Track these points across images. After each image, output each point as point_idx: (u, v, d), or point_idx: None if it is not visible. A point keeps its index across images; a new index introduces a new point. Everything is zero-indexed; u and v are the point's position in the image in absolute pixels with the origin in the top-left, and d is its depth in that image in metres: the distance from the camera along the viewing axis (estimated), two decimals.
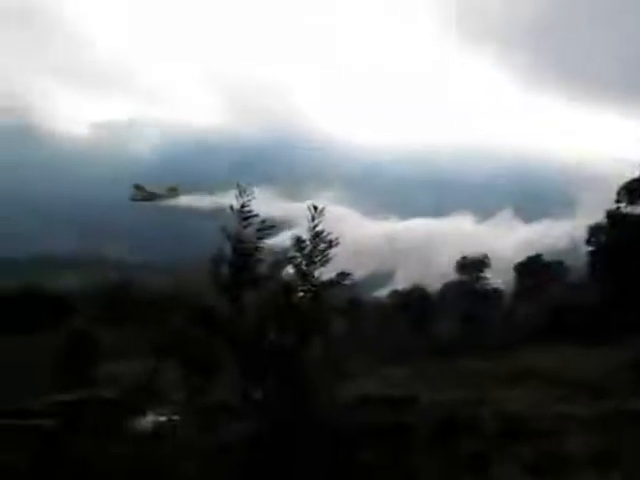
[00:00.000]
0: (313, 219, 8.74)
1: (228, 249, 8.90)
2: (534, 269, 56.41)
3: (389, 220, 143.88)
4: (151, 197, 65.27)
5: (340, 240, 8.94)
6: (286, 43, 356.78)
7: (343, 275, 9.48)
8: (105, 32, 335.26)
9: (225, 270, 8.91)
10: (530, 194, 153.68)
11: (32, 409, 15.03)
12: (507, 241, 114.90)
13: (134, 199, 65.60)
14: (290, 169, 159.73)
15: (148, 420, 15.03)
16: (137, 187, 65.04)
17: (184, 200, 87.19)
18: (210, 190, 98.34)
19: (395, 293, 63.34)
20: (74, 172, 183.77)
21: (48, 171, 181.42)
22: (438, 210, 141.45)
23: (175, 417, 13.82)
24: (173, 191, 68.70)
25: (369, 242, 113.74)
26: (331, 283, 9.48)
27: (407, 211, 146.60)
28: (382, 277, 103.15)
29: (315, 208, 8.85)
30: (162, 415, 14.72)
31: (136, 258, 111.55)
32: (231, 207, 8.75)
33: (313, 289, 9.13)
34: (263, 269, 9.25)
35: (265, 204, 12.47)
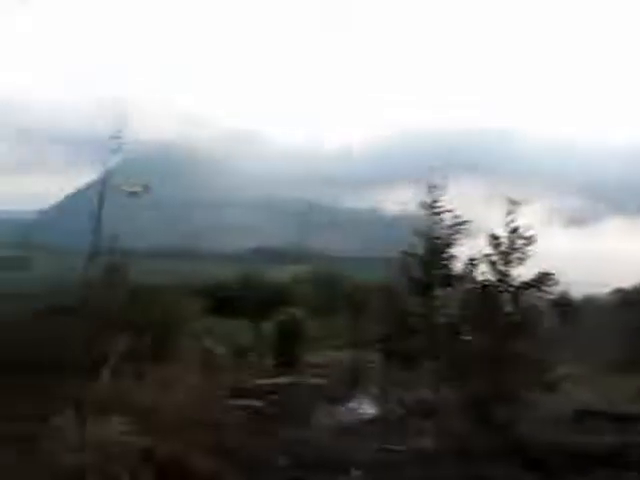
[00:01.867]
0: (509, 214, 8.25)
1: (420, 245, 8.80)
2: None
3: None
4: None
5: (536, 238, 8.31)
6: None
7: (546, 275, 8.80)
8: None
9: (417, 267, 8.81)
10: None
11: (246, 389, 16.33)
12: None
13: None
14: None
15: (350, 408, 15.52)
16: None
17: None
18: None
19: (619, 291, 57.50)
20: (289, 174, 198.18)
21: (269, 173, 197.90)
22: None
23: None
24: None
25: None
26: (533, 283, 8.84)
27: None
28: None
29: (513, 202, 8.33)
30: (362, 406, 15.14)
31: (343, 252, 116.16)
32: (423, 203, 8.62)
33: (512, 289, 8.61)
34: (457, 266, 8.98)
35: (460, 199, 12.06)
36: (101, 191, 6.38)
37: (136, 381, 10.96)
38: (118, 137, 6.83)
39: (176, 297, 24.36)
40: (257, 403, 14.79)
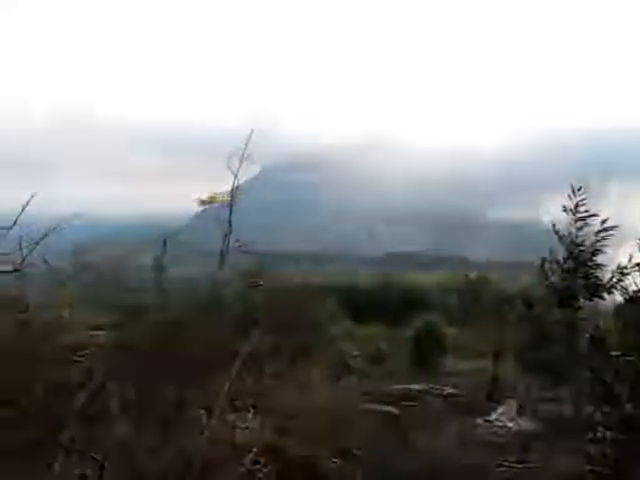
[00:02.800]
0: None
1: (561, 252, 8.31)
2: None
3: None
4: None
5: None
6: None
7: None
8: None
9: (558, 275, 8.32)
10: None
11: (381, 394, 16.38)
12: None
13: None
14: None
15: (487, 421, 15.03)
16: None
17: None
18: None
19: None
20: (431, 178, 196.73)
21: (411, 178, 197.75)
22: None
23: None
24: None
25: None
26: None
27: None
28: None
29: None
30: (501, 419, 14.58)
31: (489, 259, 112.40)
32: (564, 207, 8.15)
33: None
34: (604, 275, 8.35)
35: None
36: (231, 198, 6.74)
37: (274, 380, 11.39)
38: (259, 147, 7.17)
39: (315, 299, 24.98)
40: (392, 409, 14.78)
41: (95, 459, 4.97)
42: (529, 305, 10.75)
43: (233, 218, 7.10)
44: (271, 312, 13.93)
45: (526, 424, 14.44)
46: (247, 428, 7.84)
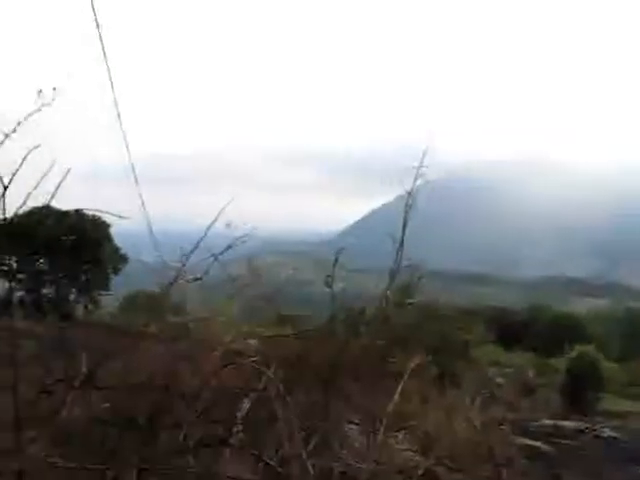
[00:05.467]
0: None
1: None
2: None
3: None
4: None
5: None
6: None
7: None
8: None
9: None
10: None
11: (529, 427, 15.59)
12: None
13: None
14: None
15: None
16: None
17: None
18: None
19: None
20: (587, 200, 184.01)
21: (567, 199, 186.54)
22: None
23: None
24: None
25: None
26: None
27: None
28: None
29: None
30: None
31: None
32: None
33: None
34: None
35: None
36: (406, 213, 6.78)
37: (420, 402, 11.28)
38: (420, 162, 7.18)
39: (461, 321, 24.41)
40: (540, 444, 13.98)
41: (267, 463, 5.23)
42: None
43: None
44: (420, 332, 13.80)
45: None
46: (407, 450, 7.83)
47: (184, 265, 5.36)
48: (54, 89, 4.02)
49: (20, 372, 4.14)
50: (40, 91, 4.01)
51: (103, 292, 32.18)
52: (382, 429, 7.64)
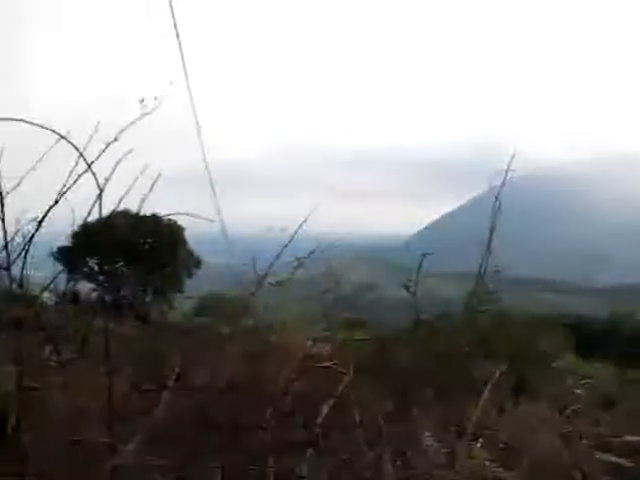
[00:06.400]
0: None
1: None
2: None
3: None
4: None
5: None
6: None
7: None
8: None
9: None
10: None
11: (611, 444, 14.83)
12: None
13: None
14: None
15: None
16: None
17: None
18: None
19: None
20: None
21: None
22: None
23: None
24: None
25: None
26: None
27: None
28: None
29: None
30: None
31: None
32: None
33: None
34: None
35: None
36: (493, 216, 6.59)
37: (497, 412, 10.98)
38: (509, 164, 6.97)
39: (538, 330, 23.61)
40: (625, 462, 13.27)
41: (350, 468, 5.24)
42: None
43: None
44: (496, 340, 13.47)
45: None
46: (487, 461, 7.64)
47: (270, 269, 5.43)
48: (155, 98, 4.18)
49: (114, 371, 4.30)
50: (142, 100, 4.18)
51: (177, 294, 33.14)
52: (462, 438, 7.48)
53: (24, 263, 4.53)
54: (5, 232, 4.71)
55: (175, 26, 7.70)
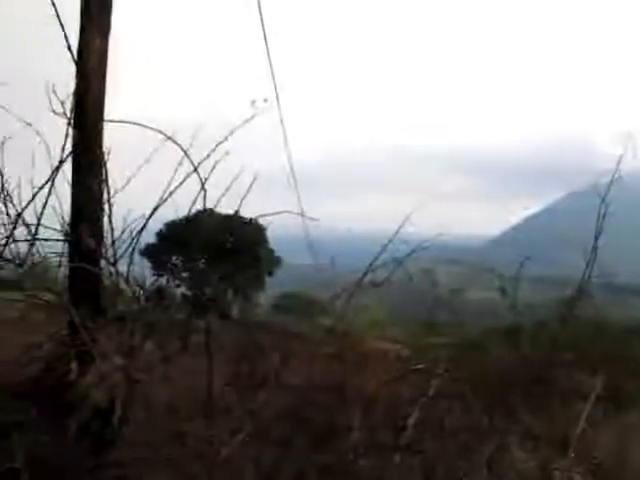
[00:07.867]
0: None
1: None
2: None
3: None
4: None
5: None
6: None
7: None
8: None
9: None
10: None
11: None
12: None
13: None
14: None
15: None
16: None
17: None
18: None
19: None
20: None
21: None
22: None
23: None
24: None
25: None
26: None
27: None
28: None
29: None
30: None
31: None
32: None
33: None
34: None
35: None
36: (601, 218, 6.27)
37: (589, 425, 10.47)
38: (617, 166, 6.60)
39: (635, 337, 22.29)
40: None
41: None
42: None
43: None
44: (592, 348, 12.85)
45: None
46: (578, 475, 7.32)
47: (370, 270, 5.41)
48: (265, 100, 4.25)
49: (213, 367, 4.41)
50: (254, 101, 4.26)
51: (257, 292, 33.64)
52: (555, 452, 7.19)
53: (130, 259, 4.72)
54: (112, 229, 4.93)
55: (265, 40, 7.86)
